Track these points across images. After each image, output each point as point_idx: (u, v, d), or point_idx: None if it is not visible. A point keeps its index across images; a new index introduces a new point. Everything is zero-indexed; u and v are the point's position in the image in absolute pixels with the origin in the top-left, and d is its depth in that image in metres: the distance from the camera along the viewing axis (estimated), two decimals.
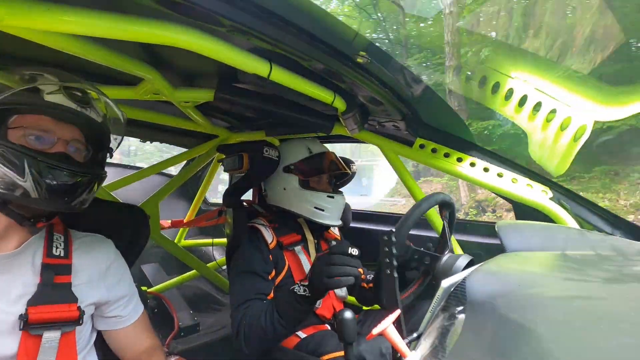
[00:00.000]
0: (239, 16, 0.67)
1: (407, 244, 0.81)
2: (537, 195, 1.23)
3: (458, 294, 0.55)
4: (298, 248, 1.35)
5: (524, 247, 0.76)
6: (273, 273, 1.25)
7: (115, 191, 1.96)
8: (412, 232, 0.79)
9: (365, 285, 1.43)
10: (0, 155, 0.66)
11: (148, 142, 2.12)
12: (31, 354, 0.73)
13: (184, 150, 2.19)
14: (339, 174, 1.47)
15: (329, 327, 1.32)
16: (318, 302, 1.26)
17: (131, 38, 0.67)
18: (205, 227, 2.73)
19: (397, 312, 0.69)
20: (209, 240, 2.51)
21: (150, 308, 2.00)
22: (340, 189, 1.50)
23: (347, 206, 1.96)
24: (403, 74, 1.00)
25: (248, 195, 1.49)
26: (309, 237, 1.40)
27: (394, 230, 0.74)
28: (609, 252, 0.75)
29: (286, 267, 1.29)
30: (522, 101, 1.30)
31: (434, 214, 1.35)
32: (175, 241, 2.29)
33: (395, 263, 0.73)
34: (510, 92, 1.32)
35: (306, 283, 0.97)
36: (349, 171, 1.47)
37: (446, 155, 1.32)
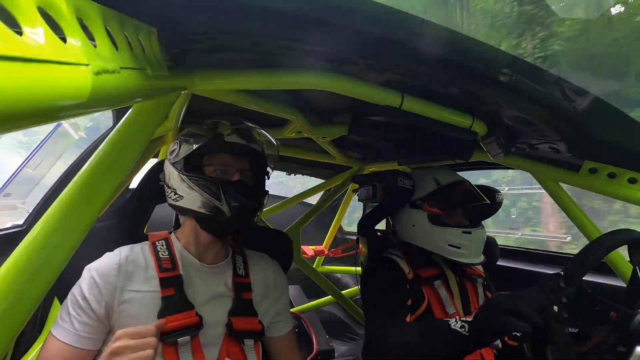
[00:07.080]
0: (373, 54, 0.71)
1: (584, 287, 0.65)
2: None
3: None
4: (437, 283, 1.25)
5: None
6: (410, 301, 1.18)
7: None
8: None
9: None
10: (205, 186, 0.86)
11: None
12: (237, 357, 0.87)
13: (322, 181, 2.37)
14: (477, 206, 1.31)
15: None
16: None
17: (282, 87, 0.79)
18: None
19: None
20: (344, 268, 2.59)
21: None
22: (480, 222, 1.32)
23: (493, 241, 1.73)
24: (561, 86, 0.85)
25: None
26: (449, 273, 1.28)
27: (562, 273, 0.61)
28: None
29: (425, 302, 1.20)
30: None
31: (618, 256, 1.06)
32: (314, 266, 2.45)
33: (565, 315, 0.60)
34: None
35: (468, 319, 0.81)
36: (487, 201, 1.31)
37: (631, 180, 1.03)
